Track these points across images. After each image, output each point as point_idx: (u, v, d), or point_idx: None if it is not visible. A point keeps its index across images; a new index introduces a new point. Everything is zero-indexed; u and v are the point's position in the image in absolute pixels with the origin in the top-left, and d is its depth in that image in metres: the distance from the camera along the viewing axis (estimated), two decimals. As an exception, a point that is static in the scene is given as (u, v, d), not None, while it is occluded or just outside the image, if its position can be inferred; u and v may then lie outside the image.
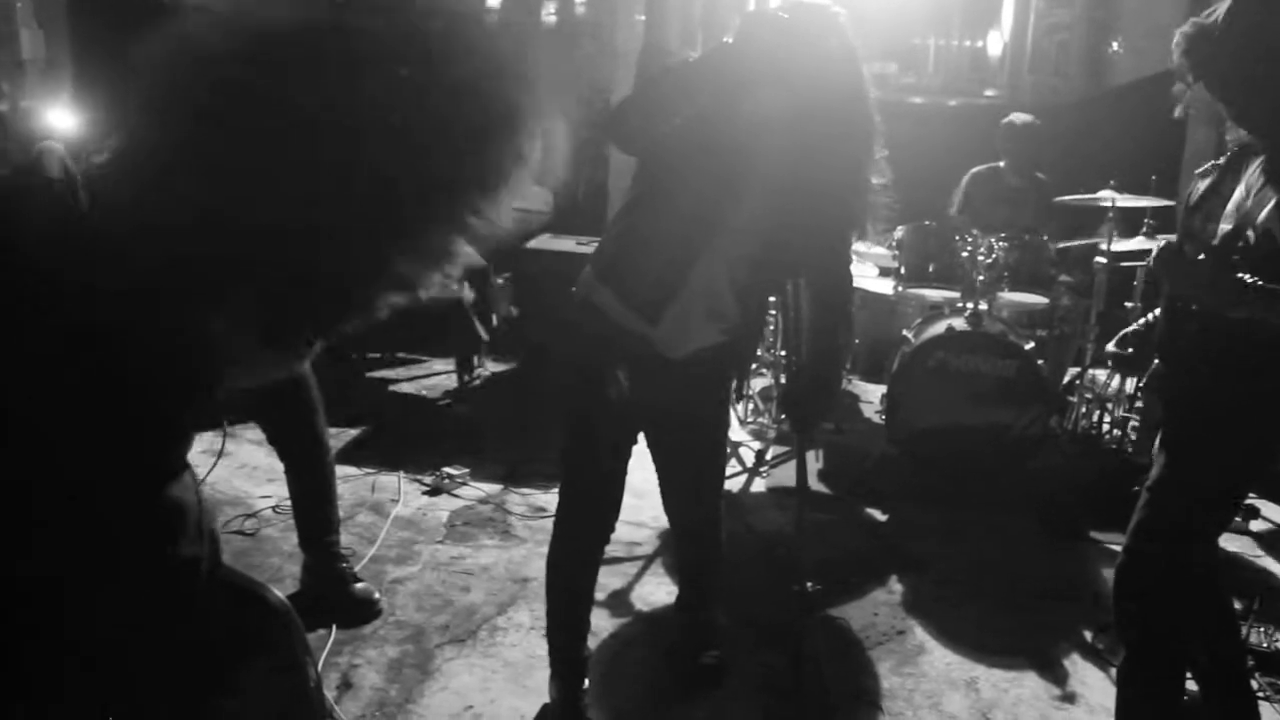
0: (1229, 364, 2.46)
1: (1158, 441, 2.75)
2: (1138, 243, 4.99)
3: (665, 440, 2.88)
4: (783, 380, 5.07)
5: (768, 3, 2.48)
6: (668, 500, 2.98)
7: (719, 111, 2.39)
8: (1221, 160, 2.58)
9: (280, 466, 3.43)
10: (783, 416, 5.09)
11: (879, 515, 4.46)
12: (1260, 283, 2.27)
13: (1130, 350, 2.95)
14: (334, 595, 3.42)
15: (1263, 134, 2.44)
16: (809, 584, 2.86)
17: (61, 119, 6.64)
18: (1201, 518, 2.65)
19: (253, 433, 3.49)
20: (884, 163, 2.55)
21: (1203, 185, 2.62)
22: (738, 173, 2.46)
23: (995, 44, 13.29)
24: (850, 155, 2.49)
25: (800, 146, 2.44)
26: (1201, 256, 2.41)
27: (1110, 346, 3.03)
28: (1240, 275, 2.29)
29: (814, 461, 4.92)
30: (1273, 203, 2.33)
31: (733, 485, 4.63)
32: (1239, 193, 2.50)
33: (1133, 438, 4.84)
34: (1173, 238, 2.57)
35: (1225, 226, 2.48)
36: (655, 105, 2.44)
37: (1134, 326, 2.98)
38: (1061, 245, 5.22)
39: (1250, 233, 2.38)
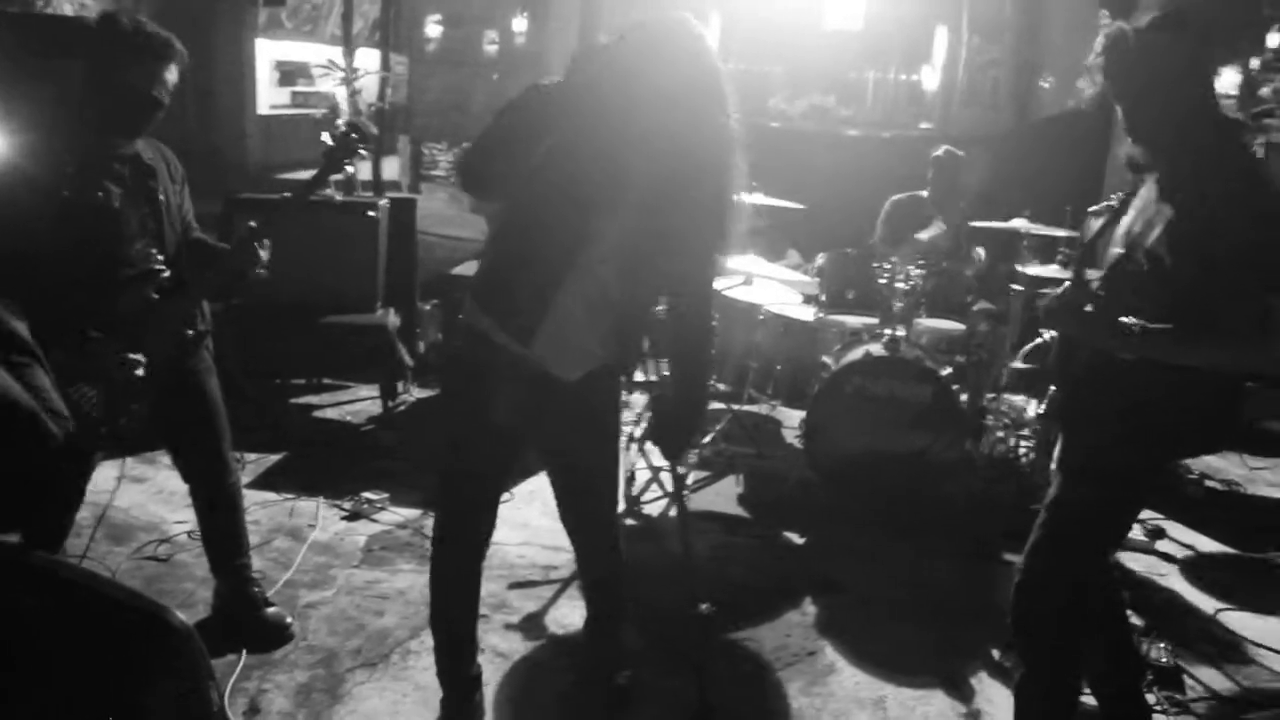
0: (1118, 391, 2.54)
1: (1054, 462, 2.82)
2: (1052, 270, 5.11)
3: (565, 460, 2.90)
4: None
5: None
6: (572, 520, 2.99)
7: (576, 137, 2.45)
8: (1114, 200, 2.65)
9: (196, 491, 3.43)
10: (650, 445, 5.10)
11: (797, 538, 4.50)
12: (1144, 325, 2.35)
13: (1032, 366, 3.03)
14: (245, 620, 3.40)
15: (1153, 149, 2.53)
16: (704, 606, 2.89)
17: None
18: (1095, 536, 2.72)
19: (169, 458, 3.48)
20: (746, 178, 2.60)
21: (1096, 224, 2.71)
22: (597, 195, 2.50)
23: (930, 79, 13.54)
24: (710, 172, 2.53)
25: (659, 167, 2.48)
26: (1089, 308, 2.48)
27: (1014, 363, 3.10)
28: (1125, 320, 2.37)
29: (734, 486, 4.96)
30: (1161, 226, 2.42)
31: (652, 510, 4.66)
32: (1128, 218, 2.59)
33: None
34: (1055, 291, 2.64)
35: (1116, 250, 2.57)
36: (501, 147, 2.49)
37: (1037, 341, 3.05)
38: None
39: (1140, 256, 2.46)
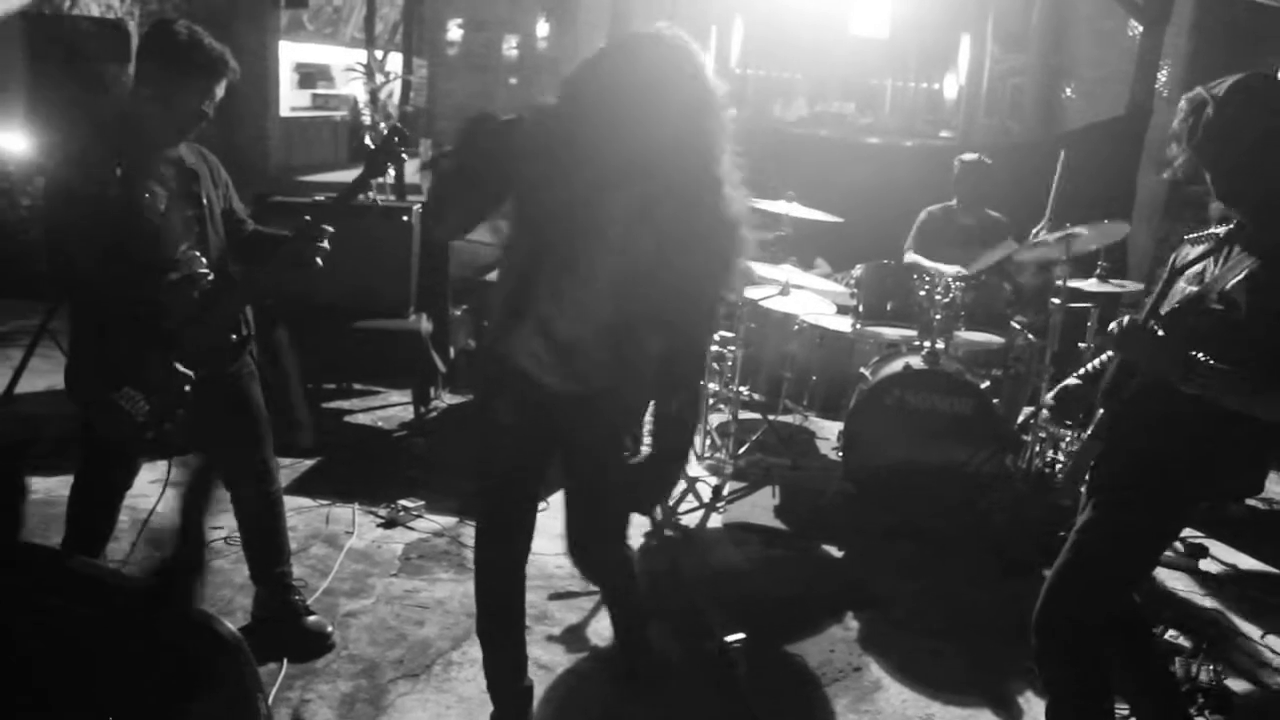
0: (1166, 425, 2.50)
1: (1085, 485, 2.79)
2: (1091, 284, 5.08)
3: (569, 471, 2.86)
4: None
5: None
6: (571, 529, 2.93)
7: (562, 160, 2.38)
8: (1220, 231, 2.60)
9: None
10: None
11: (835, 551, 4.46)
12: (1212, 362, 2.31)
13: (1064, 403, 3.00)
14: (285, 628, 3.37)
15: (1240, 210, 2.51)
16: (731, 638, 2.81)
17: (13, 141, 6.51)
18: (1122, 565, 2.68)
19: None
20: (745, 201, 2.54)
21: (1193, 251, 2.65)
22: (587, 218, 2.45)
23: (951, 87, 13.49)
24: (700, 191, 2.46)
25: (644, 189, 2.44)
26: (1161, 333, 2.44)
27: (1048, 398, 3.06)
28: (1194, 354, 2.33)
29: (771, 498, 4.92)
30: (1244, 273, 2.39)
31: (689, 521, 4.62)
32: (1205, 262, 2.55)
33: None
34: (1130, 316, 2.58)
35: (1191, 289, 2.53)
36: (454, 199, 2.53)
37: (1072, 380, 3.01)
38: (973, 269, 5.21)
39: (1214, 299, 2.43)
